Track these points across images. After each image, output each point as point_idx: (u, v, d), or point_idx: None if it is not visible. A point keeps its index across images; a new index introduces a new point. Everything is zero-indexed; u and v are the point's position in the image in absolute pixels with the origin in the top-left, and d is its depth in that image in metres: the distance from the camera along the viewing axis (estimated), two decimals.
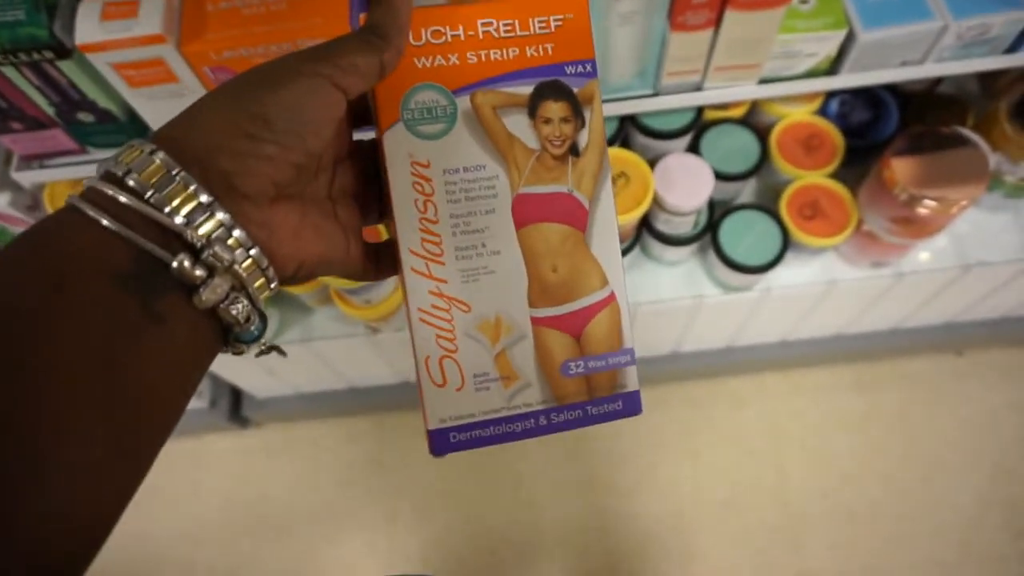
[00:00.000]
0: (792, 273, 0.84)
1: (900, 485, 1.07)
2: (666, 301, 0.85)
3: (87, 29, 0.51)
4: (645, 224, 0.81)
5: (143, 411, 0.23)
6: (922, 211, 0.72)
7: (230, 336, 0.26)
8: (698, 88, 0.65)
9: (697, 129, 0.80)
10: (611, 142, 0.76)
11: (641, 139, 0.78)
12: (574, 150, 0.31)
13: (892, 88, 0.82)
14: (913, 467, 1.08)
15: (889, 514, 1.05)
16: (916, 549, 1.03)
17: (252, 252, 0.25)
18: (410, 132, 0.29)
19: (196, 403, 1.04)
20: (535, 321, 0.30)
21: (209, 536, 1.10)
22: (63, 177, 0.66)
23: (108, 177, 0.23)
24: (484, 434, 0.30)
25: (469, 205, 0.30)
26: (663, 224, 0.79)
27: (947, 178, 0.71)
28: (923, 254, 0.85)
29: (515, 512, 1.09)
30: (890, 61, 0.63)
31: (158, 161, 0.23)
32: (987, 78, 0.85)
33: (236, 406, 1.11)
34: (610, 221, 0.31)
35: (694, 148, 0.80)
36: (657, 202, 0.75)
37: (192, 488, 1.13)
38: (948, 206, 0.71)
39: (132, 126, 0.61)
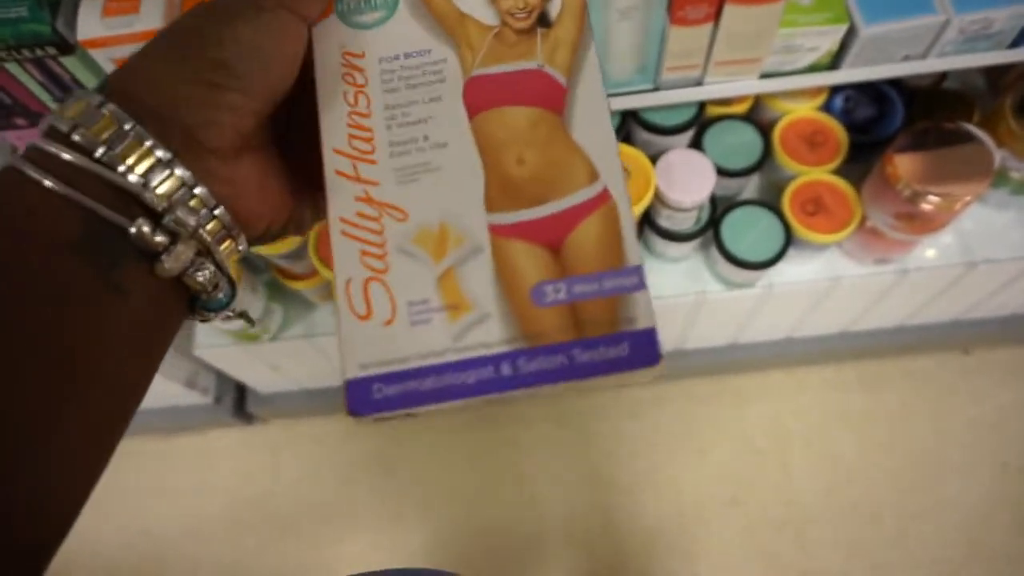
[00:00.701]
0: (795, 269, 0.84)
1: (906, 483, 1.06)
2: (668, 298, 0.85)
3: (89, 25, 0.52)
4: (647, 220, 0.81)
5: (104, 389, 0.21)
6: (925, 207, 0.71)
7: (197, 304, 0.24)
8: (699, 83, 0.65)
9: (700, 125, 0.80)
10: None
11: (643, 135, 0.78)
12: (543, 21, 0.25)
13: (897, 84, 0.82)
14: (919, 465, 1.07)
15: (895, 512, 1.05)
16: (922, 547, 1.02)
17: (217, 212, 0.22)
18: (344, 23, 0.25)
19: (201, 399, 1.05)
20: (494, 229, 0.23)
21: (213, 532, 1.10)
22: None
23: (52, 133, 0.21)
24: (422, 387, 0.22)
25: (410, 94, 0.25)
26: (665, 220, 0.79)
27: (951, 174, 0.71)
28: (928, 251, 0.85)
29: (518, 509, 1.09)
30: (892, 56, 0.63)
31: (107, 114, 0.21)
32: (993, 74, 0.84)
33: (241, 402, 1.12)
34: (598, 99, 0.24)
35: (697, 144, 0.80)
36: (659, 198, 0.75)
37: (196, 484, 1.13)
38: (952, 202, 0.70)
39: None
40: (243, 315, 0.27)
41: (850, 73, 0.64)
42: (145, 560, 1.09)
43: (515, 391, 0.21)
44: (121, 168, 0.20)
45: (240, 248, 0.24)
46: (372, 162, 0.24)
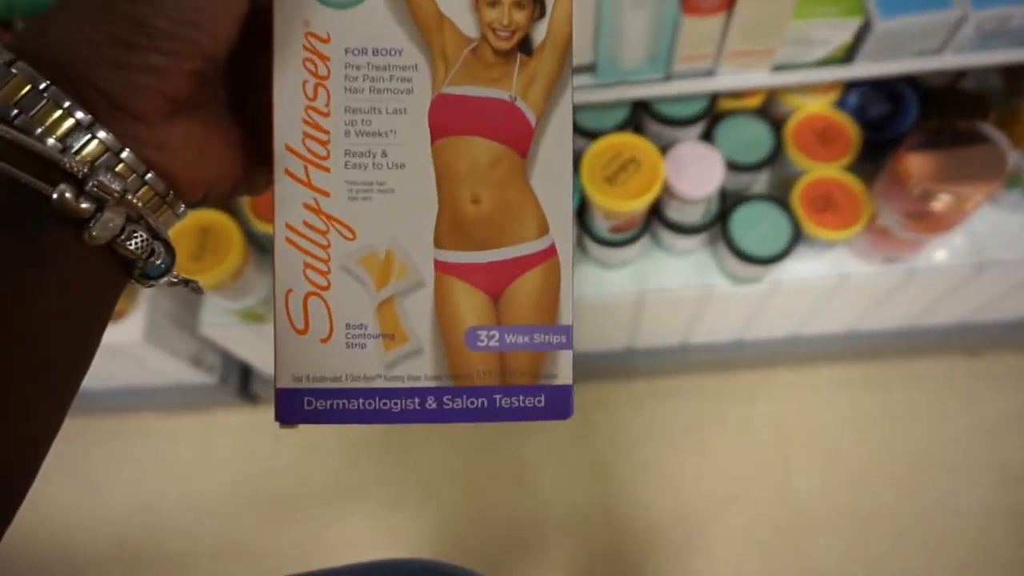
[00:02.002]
0: (803, 266, 0.83)
1: (907, 486, 1.06)
2: (674, 290, 0.85)
3: None
4: (655, 212, 0.81)
5: (35, 360, 0.20)
6: (936, 206, 0.71)
7: (135, 271, 0.23)
8: (711, 74, 0.65)
9: (711, 118, 0.79)
10: (623, 128, 0.76)
11: (654, 126, 0.77)
12: (525, 46, 0.23)
13: (912, 82, 0.81)
14: (921, 468, 1.06)
15: (895, 515, 1.04)
16: (921, 551, 1.02)
17: (147, 178, 0.21)
18: None
19: (206, 378, 1.05)
20: (440, 266, 0.23)
21: (214, 510, 1.11)
22: None
23: None
24: (350, 407, 0.23)
25: (374, 99, 0.23)
26: (673, 212, 0.79)
27: (963, 174, 0.70)
28: (938, 251, 0.84)
29: (519, 498, 1.09)
30: (907, 51, 0.62)
31: (18, 74, 0.19)
32: (1010, 73, 0.83)
33: (245, 382, 1.12)
34: (563, 149, 0.23)
35: (708, 137, 0.80)
36: (667, 189, 0.75)
37: (199, 462, 1.14)
38: (963, 202, 0.70)
39: None
40: (188, 283, 0.25)
41: (864, 67, 0.64)
42: (146, 534, 1.10)
43: (436, 423, 0.23)
44: (38, 131, 0.19)
45: (178, 213, 0.23)
46: (326, 169, 0.23)
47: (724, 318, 0.96)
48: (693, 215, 0.79)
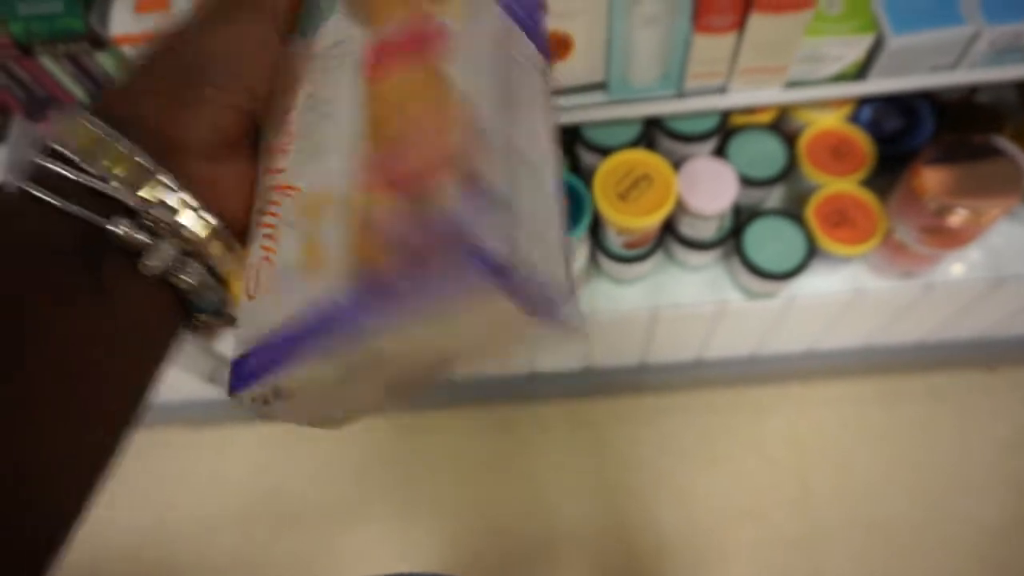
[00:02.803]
0: (818, 281, 0.83)
1: (923, 501, 1.04)
2: (689, 306, 0.85)
3: (122, 21, 0.53)
4: (669, 227, 0.81)
5: (90, 385, 0.21)
6: (953, 221, 0.70)
7: (191, 308, 0.24)
8: (723, 91, 0.65)
9: (724, 133, 0.79)
10: (635, 144, 0.76)
11: (667, 142, 0.77)
12: None
13: (926, 97, 0.81)
14: (937, 483, 1.05)
15: (910, 529, 1.03)
16: (937, 566, 1.00)
17: (200, 212, 0.23)
18: (301, 38, 0.26)
19: (221, 394, 1.06)
20: (362, 186, 0.22)
21: (225, 523, 1.12)
22: None
23: (40, 147, 0.22)
24: (278, 354, 0.21)
25: (324, 78, 0.24)
26: (687, 228, 0.79)
27: (979, 188, 0.70)
28: (955, 266, 0.83)
29: (530, 511, 1.08)
30: (920, 67, 0.62)
31: (88, 124, 0.21)
32: None
33: None
34: (482, 44, 0.23)
35: (721, 152, 0.79)
36: (681, 205, 0.75)
37: (211, 475, 1.15)
38: (979, 216, 0.69)
39: None
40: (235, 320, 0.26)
41: (877, 84, 0.64)
42: (159, 547, 1.10)
43: (363, 329, 0.20)
44: (100, 173, 0.21)
45: (234, 251, 0.24)
46: (286, 151, 0.24)
47: (738, 334, 0.95)
48: (707, 231, 0.78)
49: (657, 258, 0.84)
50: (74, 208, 0.21)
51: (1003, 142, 0.71)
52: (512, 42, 0.26)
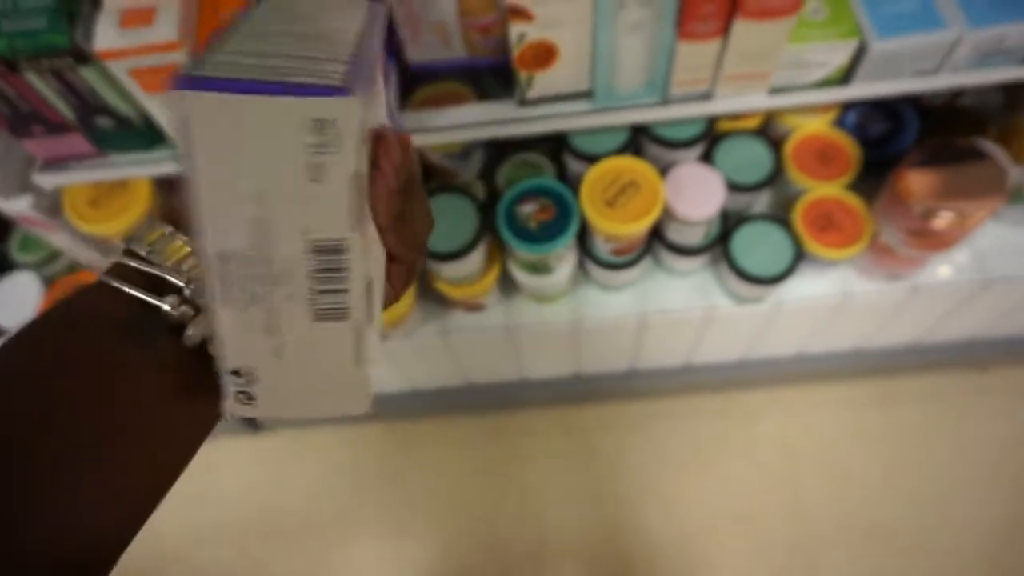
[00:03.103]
0: (805, 285, 0.83)
1: (920, 502, 1.04)
2: (677, 311, 0.85)
3: (106, 36, 0.53)
4: (656, 234, 0.81)
5: (140, 449, 0.24)
6: (938, 223, 0.70)
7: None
8: (708, 97, 0.65)
9: (710, 139, 0.79)
10: (622, 151, 0.76)
11: (653, 148, 0.77)
12: None
13: (912, 101, 0.81)
14: (934, 484, 1.05)
15: (909, 531, 1.03)
16: (937, 568, 1.00)
17: None
18: None
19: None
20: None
21: (219, 537, 1.11)
22: (82, 180, 0.67)
23: (125, 250, 0.26)
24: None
25: None
26: (674, 234, 0.79)
27: (963, 191, 0.70)
28: (943, 268, 0.84)
29: (523, 522, 1.08)
30: (904, 71, 0.63)
31: (157, 226, 0.26)
32: (1011, 90, 0.83)
33: None
34: None
35: (707, 158, 0.80)
36: (668, 211, 0.75)
37: (205, 490, 1.14)
38: (964, 219, 0.70)
39: (147, 131, 0.62)
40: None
41: (861, 88, 0.64)
42: (152, 561, 1.09)
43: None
44: (159, 262, 0.25)
45: None
46: None
47: (727, 338, 0.95)
48: (694, 236, 0.79)
49: (645, 264, 0.84)
50: (134, 290, 0.25)
51: (987, 144, 0.72)
52: None
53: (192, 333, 0.25)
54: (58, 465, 0.22)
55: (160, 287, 0.25)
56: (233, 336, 0.23)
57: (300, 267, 0.22)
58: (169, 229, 0.26)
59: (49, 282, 0.84)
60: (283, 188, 0.21)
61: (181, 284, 0.25)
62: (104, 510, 0.23)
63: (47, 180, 0.67)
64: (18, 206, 0.69)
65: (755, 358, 1.03)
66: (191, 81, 0.19)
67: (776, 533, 1.04)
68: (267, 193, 0.21)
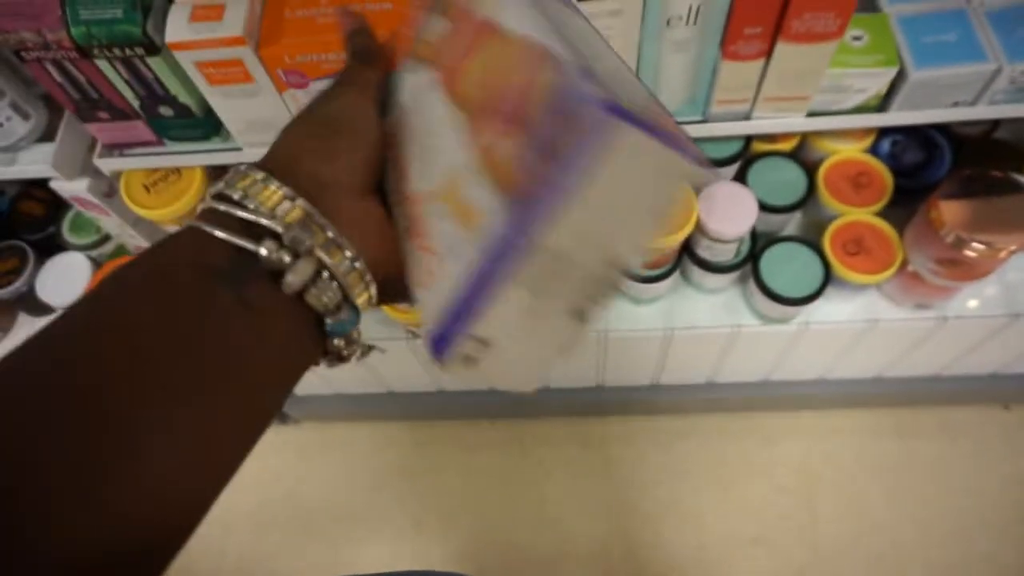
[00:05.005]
0: (832, 308, 0.84)
1: (935, 536, 1.04)
2: (703, 328, 0.86)
3: (177, 29, 0.56)
4: (687, 249, 0.82)
5: (232, 397, 0.24)
6: (969, 254, 0.71)
7: (326, 329, 0.26)
8: (747, 117, 0.66)
9: (745, 160, 0.81)
10: None
11: None
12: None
13: (946, 131, 0.82)
14: (950, 519, 1.05)
15: (922, 566, 1.02)
16: None
17: (332, 236, 0.26)
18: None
19: None
20: (475, 147, 0.25)
21: (240, 526, 1.13)
22: (140, 166, 0.70)
23: (215, 195, 0.26)
24: (469, 304, 0.24)
25: (416, 119, 0.29)
26: (704, 251, 0.80)
27: (996, 223, 0.71)
28: (971, 301, 0.84)
29: (539, 530, 1.09)
30: (941, 101, 0.64)
31: (249, 172, 0.26)
32: None
33: None
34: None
35: (741, 178, 0.81)
36: (700, 228, 0.77)
37: None
38: (996, 251, 0.70)
39: (207, 122, 0.65)
40: (370, 348, 0.30)
41: (897, 116, 0.65)
42: None
43: (523, 247, 0.22)
44: (256, 207, 0.25)
45: (367, 281, 0.27)
46: (408, 179, 0.29)
47: (751, 358, 0.96)
48: (724, 254, 0.80)
49: (674, 279, 0.85)
50: (225, 234, 0.24)
51: (1022, 178, 0.72)
52: None
53: (291, 280, 0.24)
54: (148, 417, 0.21)
55: (255, 232, 0.24)
56: (497, 309, 0.23)
57: (588, 275, 0.24)
58: (261, 175, 0.26)
59: (98, 265, 0.87)
60: (629, 216, 0.23)
61: (278, 229, 0.24)
62: (192, 467, 0.23)
63: (107, 164, 0.70)
64: (77, 188, 0.72)
65: (778, 380, 1.04)
66: (620, 112, 0.20)
67: (790, 556, 1.04)
68: (615, 214, 0.22)
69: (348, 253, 0.26)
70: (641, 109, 0.21)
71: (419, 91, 0.30)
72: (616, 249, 0.24)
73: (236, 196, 0.25)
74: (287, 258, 0.24)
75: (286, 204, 0.25)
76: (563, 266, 0.23)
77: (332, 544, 1.11)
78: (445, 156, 0.26)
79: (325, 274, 0.25)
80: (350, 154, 0.28)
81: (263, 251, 0.24)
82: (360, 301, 0.27)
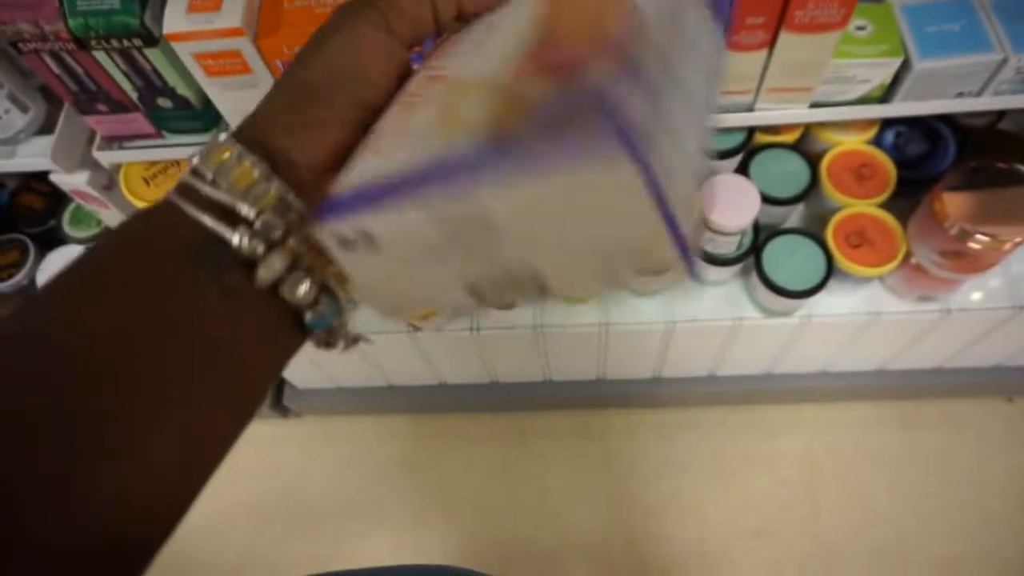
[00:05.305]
0: (835, 301, 0.84)
1: (938, 529, 1.04)
2: (705, 320, 0.85)
3: (174, 20, 0.55)
4: None
5: (216, 385, 0.23)
6: (973, 246, 0.71)
7: (305, 323, 0.25)
8: (749, 108, 0.66)
9: (747, 152, 0.80)
10: None
11: None
12: None
13: (951, 122, 0.81)
14: (953, 512, 1.04)
15: (924, 557, 1.02)
16: None
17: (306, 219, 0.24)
18: None
19: None
20: (513, 72, 0.22)
21: (241, 519, 1.13)
22: (139, 159, 0.70)
23: (192, 170, 0.24)
24: (383, 197, 0.21)
25: (491, 17, 0.26)
26: (707, 243, 0.80)
27: (1001, 215, 0.70)
28: (974, 293, 0.84)
29: (540, 523, 1.09)
30: (946, 92, 0.63)
31: (225, 145, 0.24)
32: None
33: (278, 395, 1.14)
34: None
35: (743, 170, 0.81)
36: (702, 220, 0.76)
37: (228, 471, 1.15)
38: (1000, 243, 0.70)
39: (206, 113, 0.65)
40: (358, 339, 0.28)
41: (901, 106, 0.65)
42: (172, 543, 1.12)
43: (462, 190, 0.20)
44: (227, 188, 0.23)
45: None
46: (446, 55, 0.26)
47: (753, 351, 0.96)
48: (727, 247, 0.80)
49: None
50: (203, 216, 0.23)
51: None
52: None
53: (263, 274, 0.23)
54: (126, 398, 0.21)
55: (231, 215, 0.23)
56: (402, 220, 0.21)
57: (504, 266, 0.22)
58: (237, 150, 0.23)
59: None
60: (570, 240, 0.21)
61: (251, 217, 0.23)
62: (174, 450, 0.22)
63: (106, 157, 0.69)
64: (76, 181, 0.72)
65: (780, 373, 1.03)
66: (631, 144, 0.18)
67: (792, 549, 1.04)
68: (558, 228, 0.20)
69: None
70: (666, 165, 0.19)
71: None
72: (539, 264, 0.22)
73: (209, 175, 0.23)
74: (260, 248, 0.23)
75: (261, 186, 0.23)
76: (484, 239, 0.21)
77: (333, 537, 1.12)
78: (490, 60, 0.23)
79: (303, 264, 0.24)
80: (329, 125, 0.24)
81: (235, 240, 0.23)
82: (343, 289, 0.25)
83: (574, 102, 0.18)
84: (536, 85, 0.20)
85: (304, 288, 0.24)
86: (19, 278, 0.86)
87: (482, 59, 0.24)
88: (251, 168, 0.23)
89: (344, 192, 0.22)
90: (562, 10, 0.23)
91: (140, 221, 0.24)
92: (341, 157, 0.24)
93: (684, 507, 1.08)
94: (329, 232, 0.22)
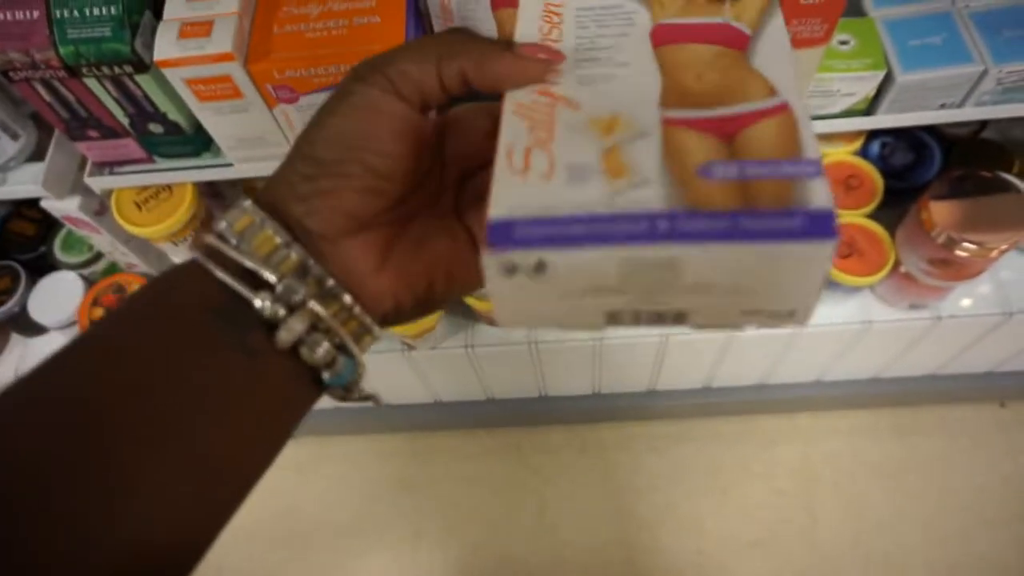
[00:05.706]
0: (827, 311, 0.84)
1: (936, 535, 1.04)
2: (698, 333, 0.86)
3: (165, 46, 0.56)
4: None
5: (234, 437, 0.24)
6: (960, 254, 0.71)
7: (323, 383, 0.26)
8: None
9: None
10: None
11: None
12: None
13: (935, 132, 0.83)
14: (951, 518, 1.05)
15: (924, 563, 1.02)
16: None
17: (329, 286, 0.25)
18: None
19: None
20: (667, 121, 0.23)
21: (237, 542, 1.12)
22: (130, 184, 0.70)
23: (218, 233, 0.25)
24: (567, 232, 0.21)
25: (599, 31, 0.27)
26: None
27: (987, 222, 0.71)
28: (964, 300, 0.84)
29: (539, 537, 1.09)
30: (929, 103, 0.64)
31: (249, 213, 0.25)
32: None
33: None
34: (781, 40, 0.25)
35: None
36: None
37: None
38: (987, 250, 0.71)
39: (197, 138, 0.65)
40: (371, 397, 0.29)
41: (885, 119, 0.65)
42: None
43: (668, 245, 0.20)
44: (251, 252, 0.24)
45: (368, 324, 0.26)
46: (556, 72, 0.26)
47: (747, 362, 0.96)
48: None
49: None
50: (227, 279, 0.24)
51: (1011, 177, 0.73)
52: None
53: (283, 336, 0.24)
54: (146, 445, 0.22)
55: (253, 278, 0.24)
56: (585, 258, 0.21)
57: (661, 305, 0.23)
58: (259, 217, 0.25)
59: (90, 283, 0.87)
60: (744, 299, 0.22)
61: (273, 280, 0.24)
62: (191, 498, 0.23)
63: (97, 183, 0.69)
64: (68, 206, 0.72)
65: (774, 383, 1.04)
66: (831, 232, 0.20)
67: (791, 558, 1.04)
68: (739, 286, 0.22)
69: (347, 299, 0.25)
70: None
71: (615, 12, 0.27)
72: (697, 305, 0.22)
73: (234, 240, 0.24)
74: (281, 311, 0.24)
75: (282, 251, 0.24)
76: (662, 284, 0.21)
77: (332, 557, 1.11)
78: (624, 96, 0.24)
79: (322, 326, 0.25)
80: (342, 194, 0.25)
81: (257, 303, 0.24)
82: (359, 347, 0.26)
83: (774, 185, 0.21)
84: (710, 147, 0.22)
85: (322, 350, 0.24)
86: (11, 304, 0.86)
87: (610, 92, 0.25)
88: (273, 235, 0.24)
89: (514, 220, 0.21)
90: (685, 67, 0.25)
91: (166, 278, 0.25)
92: (355, 223, 0.26)
93: (681, 519, 1.08)
94: (499, 259, 0.21)
